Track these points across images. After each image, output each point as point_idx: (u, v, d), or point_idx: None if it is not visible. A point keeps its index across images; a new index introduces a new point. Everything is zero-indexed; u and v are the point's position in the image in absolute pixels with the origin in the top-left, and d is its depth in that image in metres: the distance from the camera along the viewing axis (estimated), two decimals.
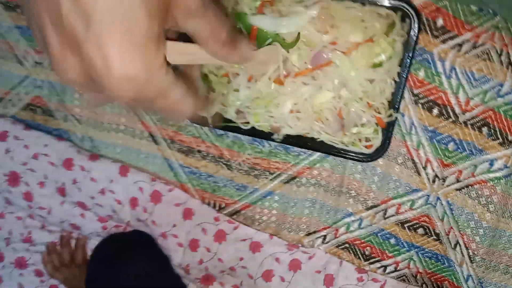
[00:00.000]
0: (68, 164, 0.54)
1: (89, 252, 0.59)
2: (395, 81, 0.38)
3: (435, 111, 0.42)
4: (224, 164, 0.51)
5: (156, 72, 0.22)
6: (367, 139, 0.40)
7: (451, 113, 0.41)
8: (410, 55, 0.36)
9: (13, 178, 0.56)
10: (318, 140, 0.42)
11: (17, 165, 0.55)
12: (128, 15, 0.20)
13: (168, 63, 0.24)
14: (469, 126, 0.41)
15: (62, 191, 0.55)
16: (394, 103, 0.38)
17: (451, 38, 0.39)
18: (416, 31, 0.36)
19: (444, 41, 0.40)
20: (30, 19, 0.24)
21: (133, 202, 0.54)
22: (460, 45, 0.39)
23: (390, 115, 0.39)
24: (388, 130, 0.39)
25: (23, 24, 0.51)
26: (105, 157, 0.54)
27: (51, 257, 0.60)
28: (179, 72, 0.28)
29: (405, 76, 0.37)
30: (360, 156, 0.41)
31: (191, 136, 0.51)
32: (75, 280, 0.59)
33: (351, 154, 0.41)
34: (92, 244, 0.58)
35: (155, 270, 0.54)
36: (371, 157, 0.40)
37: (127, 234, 0.56)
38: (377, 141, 0.40)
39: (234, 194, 0.52)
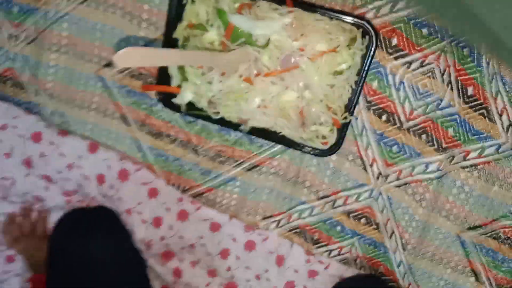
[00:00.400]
0: (36, 137, 0.55)
1: (51, 225, 0.61)
2: (352, 88, 0.43)
3: (384, 117, 0.48)
4: (191, 149, 0.54)
5: None
6: (324, 137, 0.46)
7: (397, 120, 0.48)
8: (367, 67, 0.42)
9: None
10: (281, 134, 0.47)
11: None
12: None
13: None
14: (411, 132, 0.48)
15: (28, 163, 0.57)
16: (349, 107, 0.44)
17: (403, 56, 0.45)
18: (374, 47, 0.42)
19: (396, 58, 0.45)
20: None
21: (100, 179, 0.56)
22: (410, 62, 0.45)
23: (345, 118, 0.44)
24: (342, 130, 0.45)
25: None
26: (75, 134, 0.56)
27: (11, 227, 0.61)
28: None
29: (361, 85, 0.43)
30: (316, 151, 0.46)
31: (161, 120, 0.54)
32: (35, 251, 0.60)
33: (309, 148, 0.46)
34: (54, 218, 0.59)
35: (116, 244, 0.57)
36: (326, 152, 0.46)
37: (90, 209, 0.58)
38: (332, 139, 0.46)
39: (199, 177, 0.55)
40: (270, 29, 0.43)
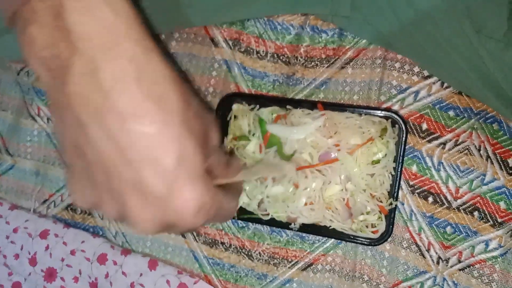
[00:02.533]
0: (102, 259, 0.60)
1: None
2: (392, 175, 0.46)
3: (430, 199, 0.49)
4: (245, 254, 0.56)
5: (214, 195, 0.29)
6: (373, 225, 0.47)
7: (444, 200, 0.49)
8: (402, 153, 0.45)
9: (50, 274, 0.61)
10: (330, 227, 0.48)
11: (55, 261, 0.61)
12: (191, 163, 0.26)
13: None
14: (462, 211, 0.48)
15: (94, 286, 0.60)
16: (393, 193, 0.46)
17: (435, 138, 0.48)
18: (405, 133, 0.45)
19: (429, 141, 0.48)
20: (97, 192, 0.28)
21: None
22: (443, 143, 0.48)
23: (391, 204, 0.46)
24: (390, 216, 0.46)
25: None
26: (136, 252, 0.60)
27: None
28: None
29: (399, 170, 0.45)
30: (368, 240, 0.47)
31: (215, 228, 0.57)
32: None
33: (360, 239, 0.47)
34: None
35: None
36: (378, 241, 0.47)
37: None
38: (382, 227, 0.47)
39: (255, 283, 0.56)
40: (305, 132, 0.48)
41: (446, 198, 0.48)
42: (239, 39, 0.55)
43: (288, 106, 0.49)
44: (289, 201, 0.47)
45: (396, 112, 0.46)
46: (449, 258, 0.49)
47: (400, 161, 0.45)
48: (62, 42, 0.25)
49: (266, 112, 0.49)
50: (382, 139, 0.46)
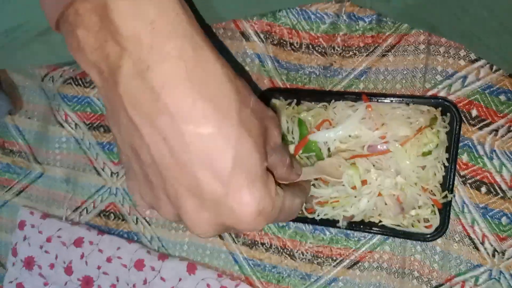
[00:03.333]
0: (139, 265, 0.59)
1: None
2: (445, 166, 0.44)
3: (483, 189, 0.47)
4: (287, 254, 0.55)
5: (275, 196, 0.28)
6: (426, 220, 0.45)
7: (498, 190, 0.46)
8: (456, 143, 0.43)
9: (87, 282, 0.60)
10: (380, 224, 0.47)
11: (91, 269, 0.60)
12: (249, 164, 0.25)
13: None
14: None
15: None
16: (447, 185, 0.44)
17: (487, 125, 0.46)
18: (459, 122, 0.43)
19: (480, 128, 0.46)
20: (152, 197, 0.28)
21: None
22: (496, 130, 0.46)
23: (445, 196, 0.44)
24: (445, 209, 0.44)
25: (103, 140, 0.60)
26: (173, 256, 0.59)
27: None
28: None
29: (453, 161, 0.43)
30: (422, 236, 0.45)
31: None
32: None
33: (414, 235, 0.45)
34: None
35: None
36: (433, 236, 0.45)
37: None
38: (435, 221, 0.45)
39: (299, 283, 0.55)
40: (349, 128, 0.46)
41: (500, 187, 0.46)
42: (271, 32, 0.53)
43: (327, 100, 0.47)
44: (347, 204, 0.45)
45: (447, 99, 0.44)
46: (505, 250, 0.47)
47: (454, 151, 0.43)
48: (110, 44, 0.24)
49: (306, 114, 0.47)
50: (432, 129, 0.44)
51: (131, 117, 0.25)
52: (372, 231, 0.46)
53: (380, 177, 0.43)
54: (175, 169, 0.25)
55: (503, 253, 0.47)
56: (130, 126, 0.25)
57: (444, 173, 0.44)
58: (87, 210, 0.63)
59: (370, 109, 0.45)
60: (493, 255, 0.48)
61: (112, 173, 0.61)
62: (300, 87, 0.52)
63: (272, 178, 0.28)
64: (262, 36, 0.53)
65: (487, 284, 0.48)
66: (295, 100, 0.49)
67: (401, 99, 0.45)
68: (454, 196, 0.47)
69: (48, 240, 0.62)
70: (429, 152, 0.44)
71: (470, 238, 0.48)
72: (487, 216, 0.47)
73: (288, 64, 0.53)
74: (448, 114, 0.44)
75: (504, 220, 0.47)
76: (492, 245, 0.47)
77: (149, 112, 0.24)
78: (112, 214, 0.62)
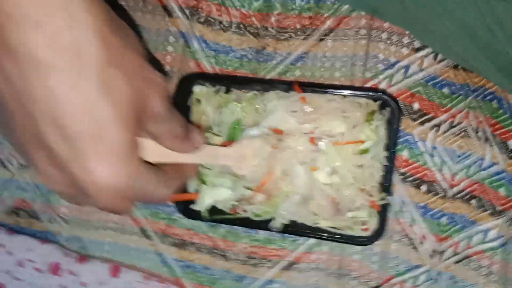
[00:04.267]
0: (55, 268, 0.53)
1: None
2: (383, 165, 0.41)
3: (424, 188, 0.44)
4: (220, 255, 0.51)
5: (134, 175, 0.25)
6: (363, 223, 0.42)
7: (439, 189, 0.44)
8: (394, 141, 0.40)
9: None
10: (315, 226, 0.43)
11: (0, 274, 0.54)
12: (105, 133, 0.23)
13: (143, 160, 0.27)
14: (458, 199, 0.44)
15: None
16: (385, 186, 0.41)
17: (429, 120, 0.43)
18: (398, 118, 0.40)
19: (422, 123, 0.43)
20: (9, 136, 0.26)
21: None
22: (437, 125, 0.43)
23: (383, 198, 0.41)
24: (383, 212, 0.41)
25: None
26: (94, 258, 0.54)
27: None
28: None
29: (392, 160, 0.40)
30: (358, 240, 0.42)
31: (184, 228, 0.51)
32: None
33: (350, 238, 0.43)
34: None
35: None
36: (370, 240, 0.42)
37: None
38: (373, 224, 0.42)
39: (233, 285, 0.52)
40: (276, 122, 0.42)
41: (440, 186, 0.44)
42: (197, 7, 0.47)
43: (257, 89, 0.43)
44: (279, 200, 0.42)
45: (386, 93, 0.40)
46: (444, 251, 0.46)
47: (393, 150, 0.40)
48: None
49: (235, 105, 0.42)
50: (370, 124, 0.41)
51: None
52: (307, 234, 0.43)
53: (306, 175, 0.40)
54: (19, 114, 0.23)
55: (442, 254, 0.46)
56: None
57: (382, 173, 0.41)
58: None
59: (303, 101, 0.40)
60: (432, 256, 0.46)
61: (20, 165, 0.54)
62: (230, 72, 0.47)
63: (137, 155, 0.25)
64: (187, 12, 0.47)
65: (426, 285, 0.47)
66: (223, 88, 0.44)
67: (337, 90, 0.40)
68: (393, 196, 0.44)
69: None
70: (366, 150, 0.41)
71: (409, 238, 0.46)
72: (427, 215, 0.45)
73: (217, 46, 0.47)
74: (388, 108, 0.40)
75: (444, 220, 0.45)
76: (431, 245, 0.46)
77: None
78: (22, 211, 0.55)
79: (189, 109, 0.45)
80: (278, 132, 0.41)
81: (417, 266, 0.46)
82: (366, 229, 0.42)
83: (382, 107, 0.41)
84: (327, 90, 0.40)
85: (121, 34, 0.24)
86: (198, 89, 0.45)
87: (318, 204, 0.42)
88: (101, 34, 0.22)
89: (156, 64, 0.47)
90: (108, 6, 0.24)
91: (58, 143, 0.23)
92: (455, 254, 0.45)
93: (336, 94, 0.41)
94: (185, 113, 0.45)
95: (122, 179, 0.24)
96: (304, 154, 0.40)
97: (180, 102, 0.44)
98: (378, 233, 0.42)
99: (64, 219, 0.54)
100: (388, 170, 0.40)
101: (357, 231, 0.42)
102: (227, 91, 0.45)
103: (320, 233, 0.43)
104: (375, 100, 0.41)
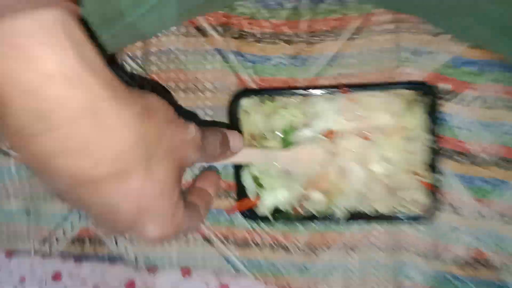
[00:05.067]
0: (131, 285, 0.57)
1: None
2: (430, 147, 0.45)
3: (458, 158, 0.49)
4: (282, 248, 0.56)
5: (179, 224, 0.30)
6: (418, 202, 0.47)
7: (470, 157, 0.49)
8: (435, 122, 0.44)
9: None
10: (372, 211, 0.48)
11: None
12: (155, 208, 0.27)
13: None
14: (490, 164, 0.49)
15: None
16: (434, 166, 0.45)
17: (458, 96, 0.48)
18: (435, 102, 0.44)
19: (452, 100, 0.48)
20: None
21: None
22: (466, 100, 0.48)
23: (434, 178, 0.46)
24: (435, 189, 0.46)
25: None
26: (164, 268, 0.58)
27: None
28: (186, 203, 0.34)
29: (436, 142, 0.45)
30: (417, 217, 0.47)
31: (244, 229, 0.56)
32: None
33: (407, 217, 0.47)
34: None
35: None
36: (427, 216, 0.47)
37: None
38: (428, 201, 0.47)
39: (296, 273, 0.56)
40: (326, 123, 0.46)
41: (472, 155, 0.49)
42: (228, 24, 0.50)
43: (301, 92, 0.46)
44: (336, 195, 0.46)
45: (422, 82, 0.45)
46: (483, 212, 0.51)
47: (436, 132, 0.44)
48: None
49: (284, 113, 0.46)
50: (412, 112, 0.45)
51: None
52: (367, 219, 0.48)
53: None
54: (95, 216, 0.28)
55: (482, 215, 0.51)
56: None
57: (429, 154, 0.46)
58: (57, 240, 0.59)
59: (350, 101, 0.44)
60: (476, 218, 0.51)
61: None
62: (269, 79, 0.50)
63: (181, 206, 0.30)
64: (220, 29, 0.50)
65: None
66: (269, 97, 0.48)
67: (378, 86, 0.45)
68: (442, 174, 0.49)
69: (22, 279, 0.58)
70: (412, 136, 0.45)
71: (452, 206, 0.51)
72: (464, 182, 0.50)
73: (253, 57, 0.50)
74: (426, 94, 0.44)
75: (478, 183, 0.50)
76: (472, 208, 0.51)
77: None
78: (87, 240, 0.59)
79: (238, 121, 0.49)
80: (330, 134, 0.45)
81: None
82: (422, 208, 0.47)
83: (421, 94, 0.45)
84: (370, 87, 0.44)
85: (149, 113, 0.25)
86: (245, 102, 0.48)
87: (375, 192, 0.46)
88: (136, 136, 0.24)
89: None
90: (133, 92, 0.25)
91: (119, 222, 0.27)
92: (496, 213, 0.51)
93: (375, 90, 0.45)
94: (236, 125, 0.49)
95: (170, 231, 0.29)
96: (358, 152, 0.44)
97: (231, 116, 0.48)
98: (435, 209, 0.46)
99: (128, 239, 0.58)
100: (435, 151, 0.45)
101: (414, 211, 0.47)
102: (273, 100, 0.48)
103: (379, 217, 0.48)
104: (410, 89, 0.45)
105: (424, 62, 0.47)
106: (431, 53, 0.47)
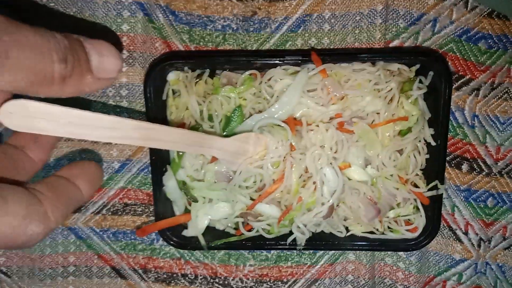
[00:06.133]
0: None
1: None
2: (431, 145, 0.33)
3: (465, 167, 0.37)
4: (222, 284, 0.41)
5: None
6: (409, 222, 0.34)
7: (483, 166, 0.37)
8: (445, 111, 0.31)
9: None
10: (349, 234, 0.34)
11: None
12: None
13: None
14: (505, 175, 0.37)
15: None
16: (435, 172, 0.33)
17: (466, 83, 0.36)
18: (448, 82, 0.31)
19: (459, 88, 0.36)
20: None
21: None
22: (477, 89, 0.36)
23: (433, 188, 0.33)
24: (434, 205, 0.33)
25: None
26: None
27: None
28: None
29: (443, 137, 0.32)
30: (405, 244, 0.34)
31: (169, 258, 0.40)
32: None
33: (394, 243, 0.34)
34: None
35: None
36: (419, 242, 0.34)
37: None
38: (421, 222, 0.34)
39: None
40: (289, 106, 0.32)
41: (485, 162, 0.37)
42: None
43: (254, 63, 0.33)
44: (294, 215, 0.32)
45: (421, 52, 0.32)
46: (491, 237, 0.39)
47: (444, 123, 0.32)
48: None
49: (228, 91, 0.32)
50: (409, 96, 0.32)
51: None
52: (337, 247, 0.34)
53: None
54: None
55: (489, 242, 0.39)
56: None
57: (427, 155, 0.33)
58: None
59: (323, 75, 0.31)
60: (479, 246, 0.39)
61: None
62: (212, 49, 0.36)
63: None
64: None
65: (472, 280, 0.40)
66: (207, 71, 0.34)
67: (367, 55, 0.32)
68: (445, 184, 0.36)
69: None
70: (408, 130, 0.32)
71: (451, 229, 0.39)
72: (470, 200, 0.38)
73: (190, 16, 0.36)
74: (431, 72, 0.32)
75: (490, 201, 0.38)
76: (477, 234, 0.39)
77: None
78: None
79: (164, 104, 0.34)
80: (292, 123, 0.31)
81: (461, 261, 0.39)
82: (413, 230, 0.34)
83: (420, 72, 0.33)
84: (355, 56, 0.31)
85: None
86: (174, 76, 0.34)
87: (350, 207, 0.33)
88: None
89: None
90: None
91: None
92: (504, 239, 0.39)
93: (365, 62, 0.32)
94: (162, 112, 0.34)
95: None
96: (332, 149, 0.31)
97: (152, 98, 0.33)
98: (430, 233, 0.33)
99: (4, 272, 0.41)
100: (437, 152, 0.32)
101: (402, 233, 0.34)
102: (213, 74, 0.34)
103: (355, 242, 0.34)
104: (409, 64, 0.32)
105: (421, 33, 0.35)
106: (431, 21, 0.35)
